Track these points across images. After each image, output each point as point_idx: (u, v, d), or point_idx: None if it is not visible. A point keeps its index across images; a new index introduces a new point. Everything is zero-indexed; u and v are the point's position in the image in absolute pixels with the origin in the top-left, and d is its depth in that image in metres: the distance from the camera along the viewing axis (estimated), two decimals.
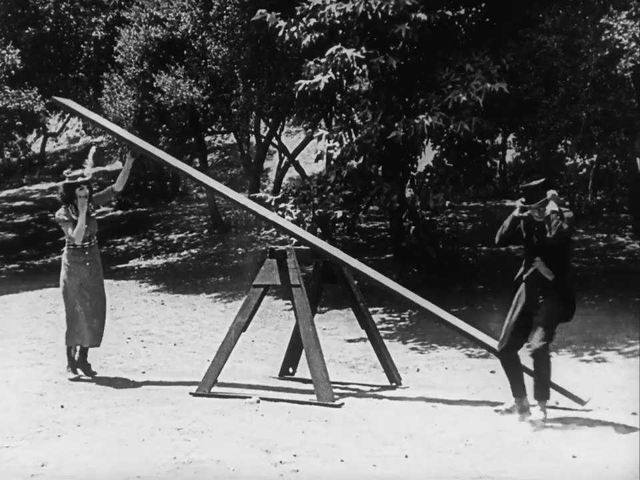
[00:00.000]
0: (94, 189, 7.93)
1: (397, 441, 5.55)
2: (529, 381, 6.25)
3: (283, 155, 18.48)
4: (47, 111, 17.78)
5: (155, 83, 14.21)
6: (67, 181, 7.66)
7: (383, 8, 9.90)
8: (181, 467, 4.97)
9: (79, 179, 7.66)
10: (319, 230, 11.29)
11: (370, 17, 10.11)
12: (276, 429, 5.83)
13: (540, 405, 6.08)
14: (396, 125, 10.20)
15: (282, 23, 10.57)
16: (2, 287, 14.20)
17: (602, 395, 6.82)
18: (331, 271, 7.49)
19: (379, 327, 9.13)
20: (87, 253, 7.62)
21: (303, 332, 6.86)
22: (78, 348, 7.78)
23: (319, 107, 12.54)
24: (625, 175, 14.41)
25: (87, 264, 7.61)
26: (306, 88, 10.22)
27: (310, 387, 6.88)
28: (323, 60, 10.18)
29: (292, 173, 19.80)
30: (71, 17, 17.17)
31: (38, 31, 16.81)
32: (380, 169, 11.32)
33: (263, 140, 17.97)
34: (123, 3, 16.66)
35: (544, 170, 14.25)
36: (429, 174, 11.31)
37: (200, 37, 14.11)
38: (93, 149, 8.09)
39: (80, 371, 7.73)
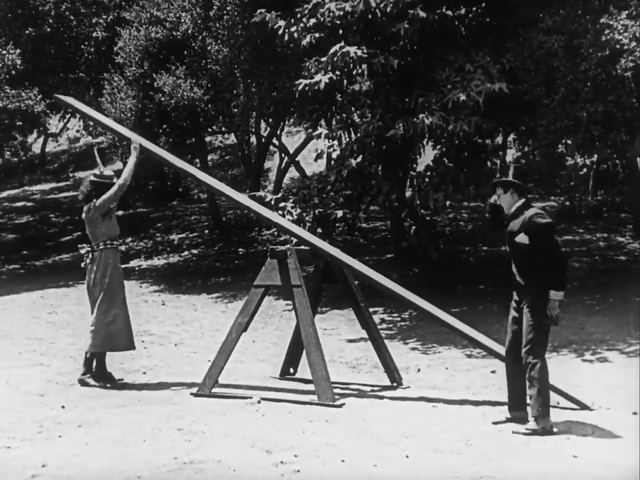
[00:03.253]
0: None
1: (397, 441, 5.55)
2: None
3: (283, 154, 18.48)
4: (48, 111, 17.83)
5: (155, 83, 14.22)
6: (103, 173, 7.63)
7: (382, 6, 9.90)
8: (181, 467, 4.97)
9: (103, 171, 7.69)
10: (319, 230, 11.29)
11: (370, 16, 10.11)
12: (277, 429, 5.82)
13: (533, 422, 5.73)
14: (395, 124, 10.20)
15: (282, 23, 10.58)
16: (3, 288, 14.19)
17: (602, 395, 6.82)
18: (332, 271, 7.49)
19: (379, 327, 9.13)
20: (118, 253, 7.62)
21: (304, 332, 6.86)
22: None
23: (319, 107, 12.54)
24: (626, 175, 14.39)
25: (118, 265, 7.58)
26: (306, 88, 10.22)
27: (311, 387, 6.88)
28: (324, 59, 10.19)
29: (292, 172, 19.81)
30: (72, 18, 17.20)
31: (38, 31, 16.83)
32: (380, 168, 11.31)
33: (263, 140, 17.96)
34: (123, 4, 16.69)
35: (544, 169, 14.24)
36: (428, 173, 11.31)
37: (200, 37, 14.12)
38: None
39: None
